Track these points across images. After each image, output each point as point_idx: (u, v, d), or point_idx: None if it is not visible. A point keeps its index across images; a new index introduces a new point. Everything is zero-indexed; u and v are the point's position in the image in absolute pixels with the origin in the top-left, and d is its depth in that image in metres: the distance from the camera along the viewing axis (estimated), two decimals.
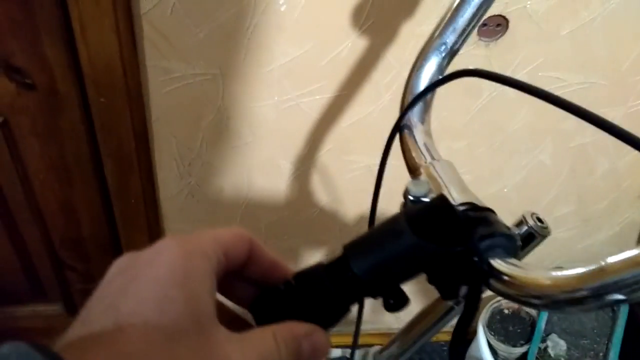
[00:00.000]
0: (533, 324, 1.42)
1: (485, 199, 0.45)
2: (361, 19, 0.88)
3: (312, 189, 1.13)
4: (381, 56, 0.92)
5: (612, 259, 0.31)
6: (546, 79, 0.99)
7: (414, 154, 0.50)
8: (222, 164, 1.06)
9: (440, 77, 0.53)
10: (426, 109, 0.53)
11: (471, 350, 1.49)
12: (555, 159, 1.15)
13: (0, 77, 0.88)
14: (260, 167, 1.08)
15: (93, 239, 1.18)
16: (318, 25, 0.88)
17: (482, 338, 1.40)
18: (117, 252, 1.22)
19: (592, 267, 0.32)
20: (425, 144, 0.50)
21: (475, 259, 0.36)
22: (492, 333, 1.42)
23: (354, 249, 0.35)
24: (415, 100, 0.51)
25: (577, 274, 0.33)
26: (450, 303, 0.59)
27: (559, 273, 0.34)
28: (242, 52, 0.89)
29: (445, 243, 0.35)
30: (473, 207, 0.40)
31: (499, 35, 0.92)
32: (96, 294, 0.30)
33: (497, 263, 0.36)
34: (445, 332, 1.57)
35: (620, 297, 0.31)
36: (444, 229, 0.35)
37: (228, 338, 0.30)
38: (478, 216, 0.38)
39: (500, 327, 1.44)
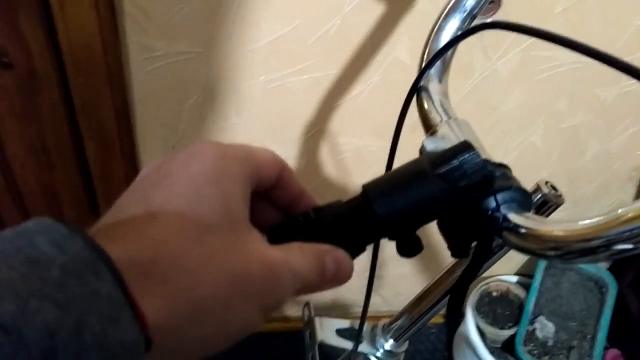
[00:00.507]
0: (521, 306, 1.42)
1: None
2: None
3: (300, 171, 1.11)
4: (371, 34, 0.90)
5: (623, 210, 0.32)
6: (539, 58, 0.97)
7: (430, 113, 0.50)
8: None
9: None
10: (444, 69, 0.54)
11: (460, 333, 1.49)
12: (547, 140, 1.14)
13: None
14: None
15: (76, 222, 1.15)
16: (306, 2, 0.85)
17: (470, 320, 1.40)
18: None
19: (606, 216, 0.33)
20: (441, 103, 0.51)
21: (493, 207, 0.37)
22: (481, 315, 1.41)
23: (376, 189, 0.35)
24: (435, 57, 0.51)
25: (591, 223, 0.33)
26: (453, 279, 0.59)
27: (573, 224, 0.35)
28: (227, 29, 0.86)
29: (466, 188, 0.35)
30: (491, 163, 0.40)
31: (491, 13, 0.89)
32: (128, 190, 0.29)
33: (514, 215, 0.37)
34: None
35: (629, 246, 0.32)
36: (465, 173, 0.35)
37: (260, 239, 0.30)
38: (497, 170, 0.39)
39: (489, 309, 1.44)
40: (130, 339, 0.22)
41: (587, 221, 0.34)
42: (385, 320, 0.66)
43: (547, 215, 0.48)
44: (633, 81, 1.09)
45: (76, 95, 0.91)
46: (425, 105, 0.49)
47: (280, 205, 0.36)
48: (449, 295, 0.43)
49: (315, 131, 1.04)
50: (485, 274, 1.49)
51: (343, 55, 0.93)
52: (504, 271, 1.50)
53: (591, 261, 0.35)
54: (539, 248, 0.37)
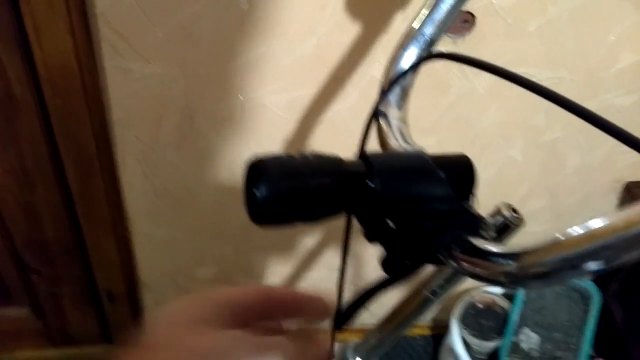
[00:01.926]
0: (506, 317, 1.43)
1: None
2: (325, 16, 0.85)
3: None
4: (347, 55, 0.90)
5: (562, 235, 0.33)
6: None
7: (388, 139, 0.50)
8: (188, 164, 1.04)
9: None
10: (403, 96, 0.54)
11: (445, 344, 1.50)
12: (526, 154, 1.15)
13: None
14: (227, 167, 1.05)
15: (57, 242, 1.15)
16: (282, 23, 0.86)
17: (455, 332, 1.40)
18: (83, 255, 1.19)
19: (546, 242, 0.34)
20: (400, 130, 0.51)
21: (448, 231, 0.37)
22: (466, 327, 1.42)
23: (381, 163, 0.35)
24: (392, 84, 0.52)
25: (533, 248, 0.34)
26: (427, 294, 0.59)
27: (519, 249, 0.35)
28: (204, 51, 0.87)
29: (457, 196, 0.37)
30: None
31: (465, 32, 0.90)
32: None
33: (472, 241, 0.37)
34: (421, 326, 1.57)
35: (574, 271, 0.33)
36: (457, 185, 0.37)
37: None
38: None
39: (474, 321, 1.44)
40: None
41: (530, 247, 0.35)
42: (356, 341, 0.67)
43: (508, 237, 0.49)
44: (611, 95, 1.09)
45: (55, 118, 0.91)
46: (384, 131, 0.49)
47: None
48: (357, 298, 0.43)
49: (295, 149, 1.04)
50: (470, 286, 1.50)
51: (321, 75, 0.93)
52: None
53: (547, 285, 0.36)
54: (485, 276, 0.37)
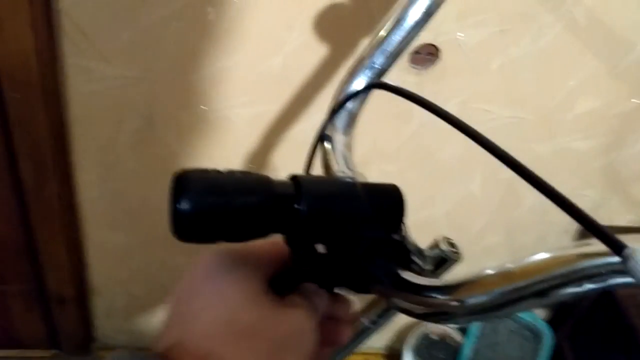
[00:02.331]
0: (459, 350, 1.43)
1: (414, 225, 0.46)
2: (292, 35, 0.86)
3: None
4: (313, 74, 0.91)
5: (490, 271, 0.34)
6: (475, 111, 0.99)
7: (331, 164, 0.51)
8: (146, 171, 1.03)
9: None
10: (350, 123, 0.55)
11: None
12: (485, 189, 1.16)
13: None
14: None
15: (7, 239, 1.12)
16: (249, 38, 0.86)
17: None
18: (33, 255, 1.16)
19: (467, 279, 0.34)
20: (343, 155, 0.52)
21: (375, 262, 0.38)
22: (419, 357, 1.41)
23: (310, 186, 0.35)
24: (338, 108, 0.52)
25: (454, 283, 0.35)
26: (365, 323, 0.59)
27: (446, 282, 0.36)
28: (169, 58, 0.87)
29: (385, 227, 0.37)
30: None
31: (429, 64, 0.92)
32: (170, 312, 0.35)
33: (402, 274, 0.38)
34: (375, 354, 1.56)
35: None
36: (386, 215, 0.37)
37: (283, 302, 0.35)
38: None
39: (427, 352, 1.44)
40: None
41: (455, 281, 0.36)
42: None
43: (445, 271, 0.49)
44: (568, 138, 1.11)
45: (11, 112, 0.90)
46: (328, 155, 0.50)
47: None
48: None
49: (257, 163, 1.04)
50: None
51: (285, 93, 0.94)
52: None
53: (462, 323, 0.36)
54: (409, 309, 0.38)
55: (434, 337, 1.47)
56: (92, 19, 0.81)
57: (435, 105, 0.38)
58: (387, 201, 0.39)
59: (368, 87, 0.51)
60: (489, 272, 0.34)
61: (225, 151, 1.01)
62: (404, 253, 0.40)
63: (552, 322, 1.43)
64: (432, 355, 1.44)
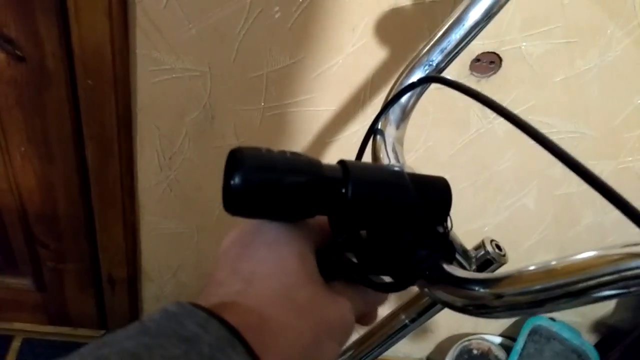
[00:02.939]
0: None
1: (464, 236, 0.46)
2: (354, 39, 0.87)
3: None
4: (371, 76, 0.92)
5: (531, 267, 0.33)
6: (536, 123, 0.97)
7: (381, 157, 0.51)
8: (203, 162, 1.06)
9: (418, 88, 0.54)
10: (403, 118, 0.55)
11: None
12: (540, 204, 1.14)
13: None
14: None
15: (68, 218, 1.18)
16: (311, 38, 0.88)
17: None
18: (91, 235, 1.21)
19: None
20: (394, 149, 0.52)
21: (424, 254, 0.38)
22: None
23: (358, 172, 0.36)
24: (389, 103, 0.53)
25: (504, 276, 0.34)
26: (405, 320, 0.59)
27: (489, 277, 0.36)
28: (233, 53, 0.89)
29: (430, 219, 0.37)
30: None
31: (491, 73, 0.91)
32: (216, 264, 0.36)
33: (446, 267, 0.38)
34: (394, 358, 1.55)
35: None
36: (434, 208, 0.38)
37: (330, 288, 0.36)
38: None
39: None
40: None
41: (499, 275, 0.35)
42: None
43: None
44: (632, 157, 1.07)
45: (82, 96, 0.94)
46: (378, 148, 0.50)
47: None
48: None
49: None
50: (468, 330, 1.48)
51: (343, 94, 0.95)
52: (488, 330, 1.48)
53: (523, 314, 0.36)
54: (451, 302, 0.37)
55: (476, 352, 1.45)
56: (164, 12, 0.84)
57: (492, 100, 0.38)
58: (434, 193, 0.39)
59: (424, 79, 0.51)
60: (532, 267, 0.34)
61: (280, 148, 1.03)
62: (447, 246, 0.40)
63: (599, 346, 1.38)
64: None
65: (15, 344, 1.42)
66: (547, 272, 0.34)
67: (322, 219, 0.39)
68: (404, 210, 0.38)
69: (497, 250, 0.50)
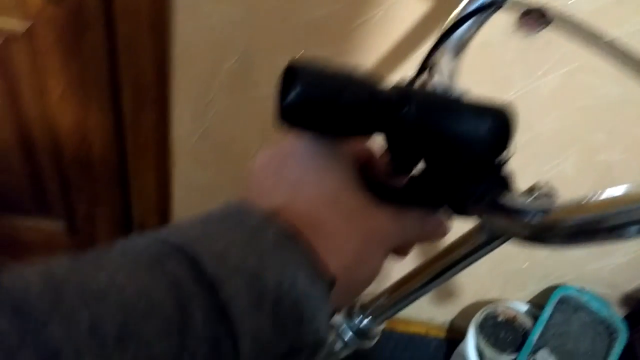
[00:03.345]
0: (525, 335, 1.39)
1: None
2: None
3: None
4: (411, 29, 0.89)
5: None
6: (582, 84, 0.94)
7: (436, 86, 0.50)
8: (238, 112, 1.05)
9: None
10: (460, 47, 0.53)
11: (459, 351, 1.47)
12: (579, 170, 1.10)
13: None
14: (274, 121, 1.06)
15: (102, 162, 1.19)
16: None
17: (471, 339, 1.38)
18: (124, 180, 1.23)
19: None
20: (451, 78, 0.50)
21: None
22: (483, 336, 1.39)
23: (420, 95, 0.35)
24: (453, 27, 0.51)
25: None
26: (456, 255, 0.58)
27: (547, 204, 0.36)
28: (271, 1, 0.87)
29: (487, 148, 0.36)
30: None
31: (539, 28, 0.87)
32: (256, 176, 0.36)
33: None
34: (437, 328, 1.55)
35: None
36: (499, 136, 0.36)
37: (373, 199, 0.35)
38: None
39: (492, 332, 1.41)
40: (324, 289, 0.30)
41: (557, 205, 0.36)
42: (365, 298, 0.66)
43: None
44: None
45: (120, 39, 0.94)
46: (433, 78, 0.48)
47: None
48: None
49: None
50: (495, 296, 1.47)
51: (383, 46, 0.92)
52: (515, 297, 1.46)
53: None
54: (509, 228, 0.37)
55: (502, 318, 1.44)
56: None
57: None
58: (495, 122, 0.38)
59: (488, 4, 0.48)
60: (590, 197, 0.33)
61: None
62: (506, 177, 0.39)
63: (628, 319, 1.36)
64: (497, 336, 1.42)
65: None
66: (609, 201, 0.33)
67: (359, 147, 0.38)
68: (463, 137, 0.37)
69: (550, 192, 0.49)
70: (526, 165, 1.11)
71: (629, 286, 1.38)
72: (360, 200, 0.35)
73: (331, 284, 0.31)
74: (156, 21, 0.90)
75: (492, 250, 0.54)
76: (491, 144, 0.37)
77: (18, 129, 1.12)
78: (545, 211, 0.35)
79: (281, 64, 1.00)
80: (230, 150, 1.13)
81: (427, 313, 1.57)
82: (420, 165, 0.38)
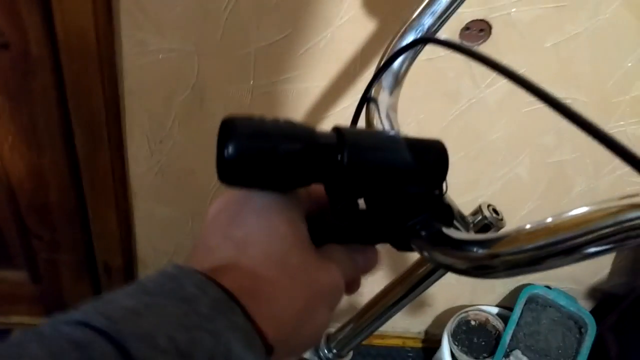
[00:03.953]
0: (498, 337, 1.41)
1: (459, 207, 0.45)
2: (342, 12, 0.86)
3: None
4: (360, 50, 0.91)
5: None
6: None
7: (375, 123, 0.51)
8: (194, 144, 1.05)
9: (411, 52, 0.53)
10: (396, 84, 0.55)
11: (434, 358, 1.48)
12: (533, 173, 1.14)
13: None
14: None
15: (60, 207, 1.17)
16: (298, 12, 0.87)
17: (445, 347, 1.39)
18: (84, 223, 1.21)
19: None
20: (388, 116, 0.51)
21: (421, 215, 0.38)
22: (456, 343, 1.41)
23: (353, 137, 0.35)
24: (383, 68, 0.52)
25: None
26: (403, 289, 0.59)
27: (487, 237, 0.35)
28: (219, 31, 0.88)
29: (427, 182, 0.37)
30: None
31: (481, 41, 0.90)
32: (206, 231, 0.36)
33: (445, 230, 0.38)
34: (413, 338, 1.56)
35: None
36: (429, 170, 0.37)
37: (321, 253, 0.36)
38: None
39: (465, 337, 1.43)
40: (260, 356, 0.29)
41: (497, 235, 0.35)
42: (330, 330, 0.67)
43: None
44: (624, 122, 1.07)
45: (69, 81, 0.93)
46: (372, 115, 0.50)
47: None
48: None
49: None
50: (465, 302, 1.49)
51: (332, 68, 0.94)
52: (485, 301, 1.49)
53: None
54: (451, 264, 0.37)
55: (474, 323, 1.46)
56: None
57: (487, 57, 0.37)
58: (430, 156, 0.39)
59: (416, 41, 0.50)
60: (529, 226, 0.34)
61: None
62: (445, 209, 0.40)
63: (595, 312, 1.40)
64: (471, 341, 1.43)
65: None
66: (545, 229, 0.33)
67: (311, 186, 0.39)
68: (401, 174, 0.37)
69: (494, 215, 0.50)
70: (481, 174, 1.13)
71: (593, 279, 1.42)
72: (307, 255, 0.35)
73: (268, 351, 0.30)
74: (104, 60, 0.90)
75: (440, 277, 0.55)
76: (430, 177, 0.38)
77: None
78: (486, 243, 0.35)
79: (233, 94, 1.01)
80: (189, 184, 1.13)
81: (401, 325, 1.58)
82: (361, 203, 0.39)
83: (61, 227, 1.22)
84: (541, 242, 0.33)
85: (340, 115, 1.00)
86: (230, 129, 0.33)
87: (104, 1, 0.82)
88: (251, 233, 0.34)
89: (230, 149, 0.32)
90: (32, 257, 1.30)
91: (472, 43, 0.91)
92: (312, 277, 0.34)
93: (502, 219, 0.51)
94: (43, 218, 1.20)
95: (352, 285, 0.41)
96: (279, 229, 0.34)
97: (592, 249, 0.31)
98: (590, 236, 0.31)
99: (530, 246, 0.33)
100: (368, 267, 0.41)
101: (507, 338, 1.37)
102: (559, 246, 0.32)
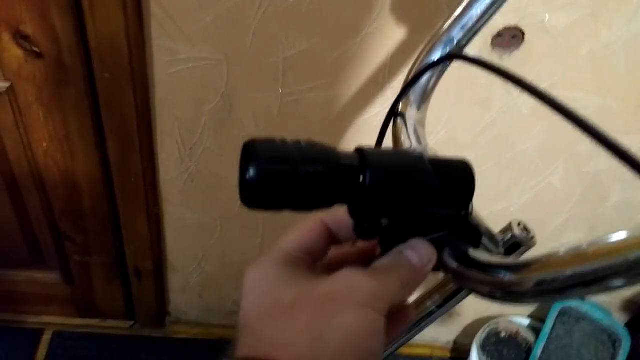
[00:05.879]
0: (529, 350, 1.38)
1: (489, 217, 0.44)
2: (370, 19, 0.86)
3: None
4: (389, 57, 0.90)
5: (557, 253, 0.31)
6: (562, 99, 0.95)
7: (403, 140, 0.49)
8: (224, 151, 1.06)
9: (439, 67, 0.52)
10: (424, 99, 0.54)
11: None
12: (567, 183, 1.11)
13: (9, 43, 0.89)
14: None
15: (93, 212, 1.19)
16: (326, 21, 0.86)
17: (474, 359, 1.37)
18: (116, 228, 1.22)
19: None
20: (415, 132, 0.50)
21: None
22: (486, 355, 1.38)
23: (375, 159, 0.35)
24: (410, 84, 0.51)
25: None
26: (431, 307, 0.58)
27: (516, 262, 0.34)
28: (248, 40, 0.88)
29: (453, 203, 0.36)
30: None
31: (513, 48, 0.89)
32: (246, 328, 0.34)
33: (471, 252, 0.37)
34: (441, 348, 1.54)
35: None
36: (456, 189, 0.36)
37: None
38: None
39: (495, 349, 1.41)
40: None
41: (526, 261, 0.33)
42: None
43: (518, 256, 0.47)
44: None
45: (101, 90, 0.94)
46: (399, 131, 0.49)
47: None
48: None
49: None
50: (496, 313, 1.46)
51: (361, 76, 0.93)
52: (516, 312, 1.46)
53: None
54: (475, 288, 0.36)
55: (504, 334, 1.43)
56: (177, 1, 0.83)
57: (516, 76, 0.36)
58: (456, 176, 0.38)
59: (445, 57, 0.49)
60: (561, 252, 0.32)
61: (299, 135, 1.02)
62: (472, 231, 0.39)
63: (630, 326, 1.36)
64: (500, 353, 1.41)
65: (46, 337, 1.45)
66: (578, 256, 0.32)
67: (340, 212, 0.38)
68: (425, 195, 0.37)
69: (524, 233, 0.48)
70: (513, 183, 1.11)
71: (627, 292, 1.38)
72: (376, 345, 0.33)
73: None
74: (135, 69, 0.91)
75: (463, 299, 0.54)
76: (455, 198, 0.37)
77: (7, 183, 1.12)
78: (515, 268, 0.33)
79: (262, 102, 1.02)
80: (218, 190, 1.13)
81: (430, 334, 1.56)
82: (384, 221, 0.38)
83: (93, 231, 1.24)
84: (575, 270, 0.31)
85: (369, 122, 1.00)
86: (251, 152, 0.33)
87: (135, 11, 0.83)
88: (287, 336, 0.33)
89: (251, 172, 0.32)
90: (64, 259, 1.33)
91: (504, 50, 0.89)
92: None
93: (533, 237, 0.49)
94: (76, 222, 1.22)
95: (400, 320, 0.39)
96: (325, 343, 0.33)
97: (627, 279, 0.29)
98: (624, 266, 0.29)
99: (561, 274, 0.31)
100: (427, 265, 0.39)
101: (538, 351, 1.34)
102: (591, 275, 0.30)
